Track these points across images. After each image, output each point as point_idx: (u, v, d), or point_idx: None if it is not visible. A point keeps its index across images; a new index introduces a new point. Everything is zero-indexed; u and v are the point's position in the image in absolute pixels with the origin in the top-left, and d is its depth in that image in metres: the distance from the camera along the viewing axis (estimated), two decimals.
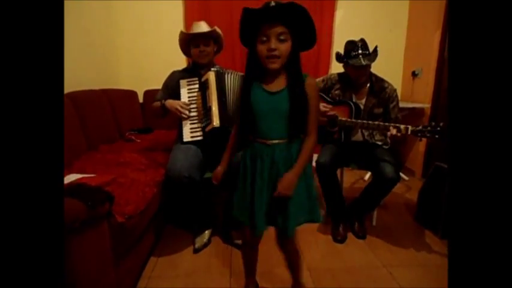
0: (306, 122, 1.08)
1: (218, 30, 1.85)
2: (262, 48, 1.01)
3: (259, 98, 1.07)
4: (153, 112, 1.90)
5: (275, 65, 1.02)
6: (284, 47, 1.01)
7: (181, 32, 1.86)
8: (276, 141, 1.08)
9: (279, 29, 0.99)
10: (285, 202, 1.09)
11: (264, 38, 1.00)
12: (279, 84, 1.07)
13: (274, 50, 0.99)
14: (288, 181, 1.05)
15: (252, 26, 1.02)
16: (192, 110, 1.79)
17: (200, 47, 1.83)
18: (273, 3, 0.97)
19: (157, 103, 1.82)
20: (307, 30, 1.03)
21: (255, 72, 1.08)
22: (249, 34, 1.04)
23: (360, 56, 1.75)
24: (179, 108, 1.75)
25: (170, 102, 1.78)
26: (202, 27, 1.84)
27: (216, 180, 1.26)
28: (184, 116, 1.76)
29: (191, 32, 1.84)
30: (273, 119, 1.07)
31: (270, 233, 1.21)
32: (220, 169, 1.25)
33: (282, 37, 0.99)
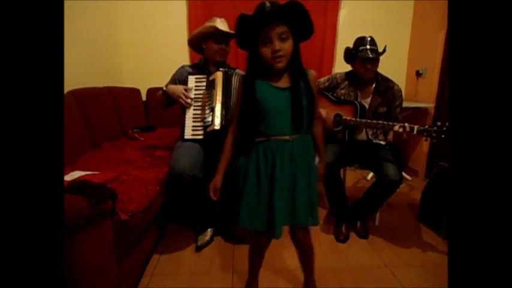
0: (313, 116, 1.14)
1: None
2: (266, 51, 1.01)
3: (271, 95, 1.07)
4: (156, 102, 1.89)
5: (282, 64, 1.03)
6: (287, 46, 1.01)
7: (213, 26, 1.77)
8: (295, 135, 1.09)
9: (280, 29, 0.99)
10: (308, 195, 1.13)
11: (266, 41, 1.00)
12: (285, 80, 1.08)
13: (279, 50, 1.00)
14: (323, 170, 1.25)
15: (251, 31, 1.02)
16: (197, 107, 1.77)
17: (222, 45, 1.82)
18: (268, 5, 0.96)
19: (160, 91, 1.80)
20: (304, 23, 1.03)
21: (258, 72, 1.07)
22: (249, 39, 1.04)
23: (368, 50, 1.76)
24: (182, 96, 1.72)
25: (172, 88, 1.76)
26: (227, 25, 1.82)
27: (214, 193, 1.19)
28: (187, 104, 1.74)
29: (219, 27, 1.76)
30: (287, 114, 1.07)
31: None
32: (219, 180, 1.19)
33: (283, 36, 1.00)
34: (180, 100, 1.73)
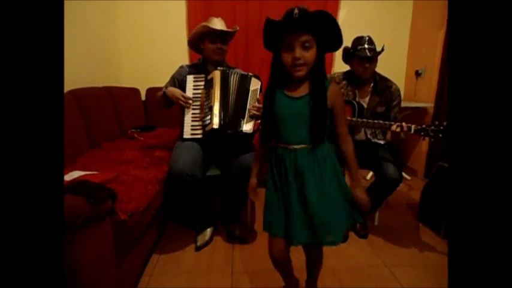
0: (325, 128, 1.07)
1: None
2: (287, 57, 1.00)
3: (281, 103, 1.06)
4: (156, 102, 1.90)
5: (301, 73, 1.01)
6: (309, 55, 0.99)
7: (206, 26, 1.78)
8: (298, 146, 1.07)
9: (304, 38, 0.97)
10: (324, 212, 1.06)
11: (289, 47, 0.99)
12: (303, 89, 1.06)
13: (299, 59, 0.98)
14: (361, 196, 1.11)
15: (276, 35, 1.01)
16: (195, 107, 1.78)
17: (218, 44, 1.81)
18: (296, 11, 0.94)
19: (160, 92, 1.82)
20: (333, 35, 1.00)
21: (280, 77, 1.07)
22: (273, 42, 1.03)
23: (366, 49, 1.77)
24: (181, 97, 1.74)
25: (171, 90, 1.77)
26: (224, 24, 1.82)
27: (253, 194, 1.27)
28: (186, 105, 1.75)
29: (213, 27, 1.76)
30: (294, 124, 1.06)
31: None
32: (254, 181, 1.24)
33: (306, 44, 0.98)
34: (180, 102, 1.74)
